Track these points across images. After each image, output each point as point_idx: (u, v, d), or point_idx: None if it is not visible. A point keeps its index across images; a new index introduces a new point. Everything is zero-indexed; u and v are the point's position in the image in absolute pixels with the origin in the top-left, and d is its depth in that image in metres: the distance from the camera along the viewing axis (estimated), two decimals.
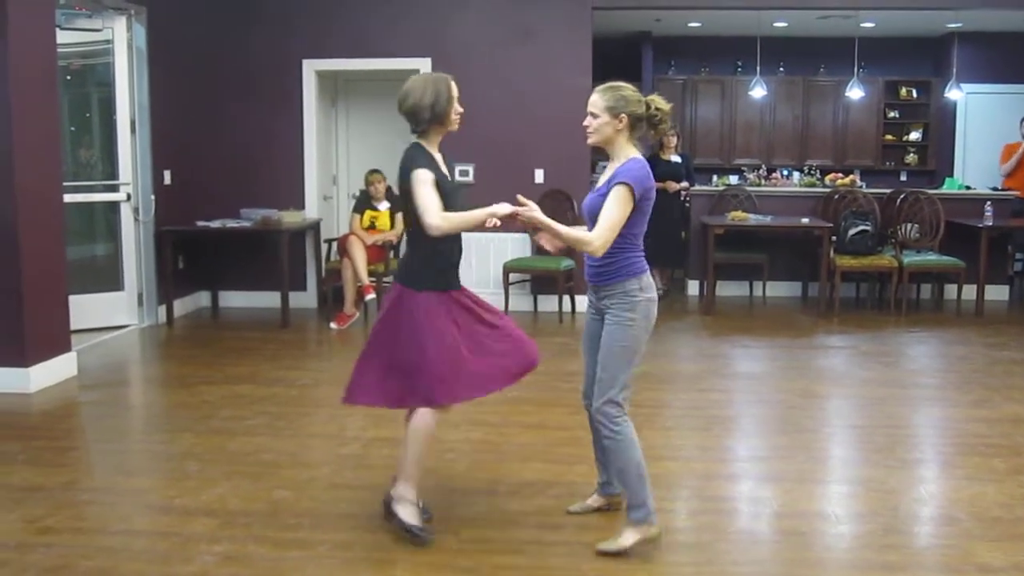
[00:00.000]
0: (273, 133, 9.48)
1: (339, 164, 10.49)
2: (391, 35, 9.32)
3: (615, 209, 3.66)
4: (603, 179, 3.86)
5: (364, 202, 8.96)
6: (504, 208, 3.79)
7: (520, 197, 3.80)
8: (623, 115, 3.78)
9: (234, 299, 9.50)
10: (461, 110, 3.95)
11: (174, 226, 8.69)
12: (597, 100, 3.82)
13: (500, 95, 9.20)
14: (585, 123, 3.84)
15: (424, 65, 9.21)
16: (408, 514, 3.94)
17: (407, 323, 3.86)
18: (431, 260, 3.91)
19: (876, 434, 5.63)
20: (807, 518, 4.30)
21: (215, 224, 8.74)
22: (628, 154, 3.82)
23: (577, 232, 3.80)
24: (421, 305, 3.85)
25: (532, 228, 3.87)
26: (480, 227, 3.86)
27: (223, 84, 9.42)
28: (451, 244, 3.94)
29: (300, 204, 9.48)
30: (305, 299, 9.58)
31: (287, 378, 6.78)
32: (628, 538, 3.80)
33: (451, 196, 3.84)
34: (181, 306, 9.08)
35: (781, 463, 5.02)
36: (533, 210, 3.74)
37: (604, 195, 3.72)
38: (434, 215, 3.70)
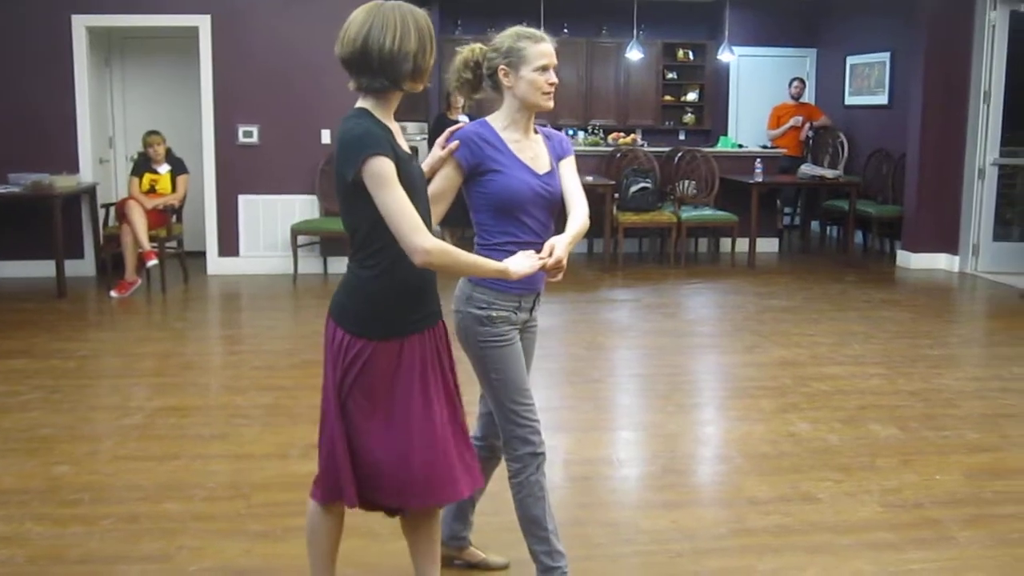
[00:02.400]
0: (41, 93, 8.91)
1: (115, 125, 10.01)
2: None
3: None
4: (530, 154, 2.99)
5: (143, 165, 8.61)
6: (527, 265, 2.75)
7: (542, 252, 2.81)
8: None
9: (3, 269, 8.94)
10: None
11: None
12: (553, 52, 3.00)
13: (284, 54, 9.00)
14: (553, 81, 2.96)
15: (203, 23, 8.90)
16: None
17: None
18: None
19: (657, 382, 5.92)
20: (593, 464, 4.48)
21: None
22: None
23: (577, 223, 2.94)
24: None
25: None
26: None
27: None
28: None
29: (74, 168, 9.00)
30: (83, 267, 9.12)
31: (65, 350, 6.47)
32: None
33: (416, 189, 2.61)
34: None
35: (568, 413, 5.20)
36: (556, 248, 2.78)
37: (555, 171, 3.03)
38: (423, 236, 2.48)
